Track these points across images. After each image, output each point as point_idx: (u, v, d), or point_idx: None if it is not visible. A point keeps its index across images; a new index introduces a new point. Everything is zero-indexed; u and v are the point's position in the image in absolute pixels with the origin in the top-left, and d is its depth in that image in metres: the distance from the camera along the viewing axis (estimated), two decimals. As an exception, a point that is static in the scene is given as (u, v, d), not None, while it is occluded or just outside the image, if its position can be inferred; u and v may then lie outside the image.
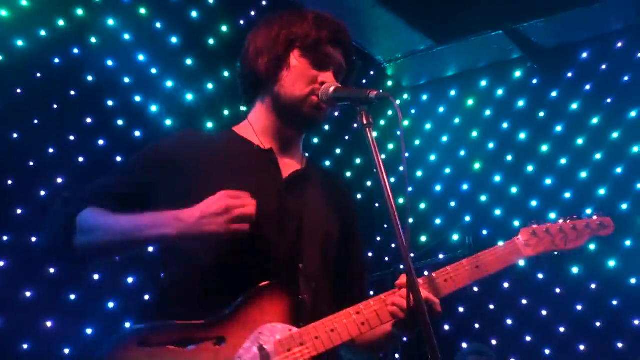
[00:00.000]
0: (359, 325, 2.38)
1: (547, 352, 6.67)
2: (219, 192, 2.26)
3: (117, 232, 2.35)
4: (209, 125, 5.75)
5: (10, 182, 4.74)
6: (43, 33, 5.08)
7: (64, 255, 2.49)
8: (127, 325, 4.56)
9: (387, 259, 6.84)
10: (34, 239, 4.63)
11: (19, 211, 4.73)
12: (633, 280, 6.39)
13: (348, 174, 7.08)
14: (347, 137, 7.11)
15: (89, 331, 4.76)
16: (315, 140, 6.63)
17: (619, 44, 6.94)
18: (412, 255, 5.65)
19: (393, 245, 6.63)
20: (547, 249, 2.70)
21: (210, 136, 2.73)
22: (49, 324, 4.64)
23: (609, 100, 6.89)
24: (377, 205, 6.80)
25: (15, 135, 4.82)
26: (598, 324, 6.50)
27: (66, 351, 4.66)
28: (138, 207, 2.42)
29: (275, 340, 2.32)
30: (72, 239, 2.39)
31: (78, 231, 2.38)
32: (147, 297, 4.89)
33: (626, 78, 6.86)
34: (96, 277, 4.86)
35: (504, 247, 2.66)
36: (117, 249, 2.56)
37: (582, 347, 6.52)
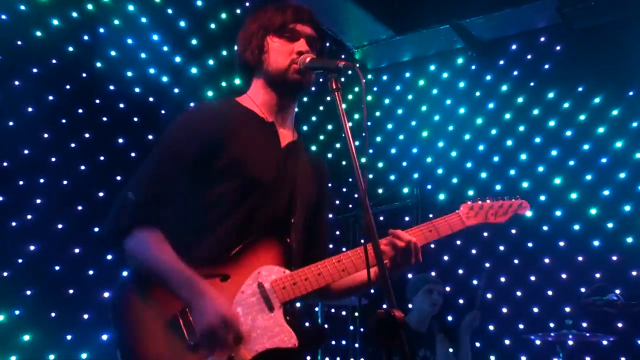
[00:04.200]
0: (340, 271, 2.39)
1: (474, 282, 6.79)
2: (219, 308, 2.15)
3: (156, 272, 2.25)
4: (209, 93, 5.76)
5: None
6: (75, 14, 5.04)
7: (113, 249, 2.42)
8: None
9: (350, 205, 6.93)
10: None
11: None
12: (545, 228, 6.48)
13: (321, 137, 7.12)
14: (321, 108, 7.14)
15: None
16: (296, 110, 6.62)
17: (542, 39, 6.98)
18: (370, 202, 5.72)
19: (356, 195, 6.70)
20: (482, 221, 2.74)
21: (221, 107, 2.56)
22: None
23: (532, 84, 6.93)
24: (343, 163, 6.85)
25: (50, 98, 4.81)
26: (515, 261, 6.59)
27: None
28: (178, 186, 2.38)
29: (272, 279, 2.31)
30: (123, 242, 2.30)
31: (129, 249, 2.30)
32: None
33: (546, 66, 6.90)
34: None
35: (451, 217, 2.67)
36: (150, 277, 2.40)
37: (502, 280, 6.63)
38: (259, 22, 2.57)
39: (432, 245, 7.00)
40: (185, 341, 2.17)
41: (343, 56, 7.61)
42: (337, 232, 6.30)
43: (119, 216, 2.34)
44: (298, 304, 2.38)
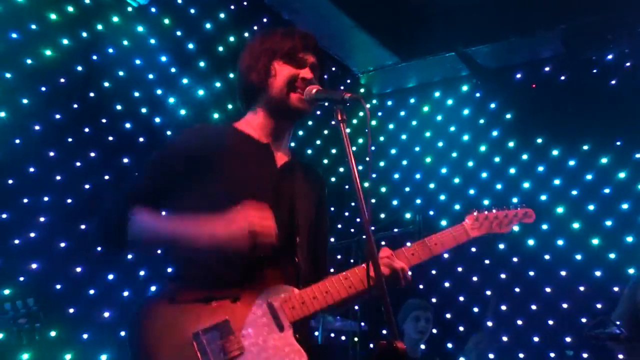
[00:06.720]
0: (347, 288, 2.39)
1: (475, 309, 6.77)
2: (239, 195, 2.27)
3: (163, 236, 2.32)
4: (216, 116, 5.77)
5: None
6: (84, 34, 5.07)
7: (117, 244, 2.42)
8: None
9: (352, 230, 6.90)
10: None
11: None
12: (547, 257, 6.46)
13: (325, 161, 7.11)
14: (325, 132, 7.14)
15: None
16: (300, 133, 6.67)
17: (547, 69, 7.01)
18: (372, 228, 5.72)
19: (358, 220, 6.68)
20: (486, 232, 2.75)
21: (218, 129, 2.62)
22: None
23: (537, 113, 6.93)
24: (346, 187, 6.83)
25: (57, 116, 4.83)
26: (517, 290, 6.57)
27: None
28: (171, 195, 2.44)
29: (280, 297, 2.32)
30: (126, 231, 2.31)
31: (132, 227, 2.31)
32: (169, 270, 4.87)
33: (551, 96, 6.89)
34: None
35: (456, 229, 2.69)
36: (160, 247, 2.56)
37: (503, 307, 6.58)
38: (267, 45, 2.59)
39: (433, 272, 7.02)
40: None
41: (349, 81, 7.64)
42: (339, 257, 6.27)
43: (113, 209, 2.40)
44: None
